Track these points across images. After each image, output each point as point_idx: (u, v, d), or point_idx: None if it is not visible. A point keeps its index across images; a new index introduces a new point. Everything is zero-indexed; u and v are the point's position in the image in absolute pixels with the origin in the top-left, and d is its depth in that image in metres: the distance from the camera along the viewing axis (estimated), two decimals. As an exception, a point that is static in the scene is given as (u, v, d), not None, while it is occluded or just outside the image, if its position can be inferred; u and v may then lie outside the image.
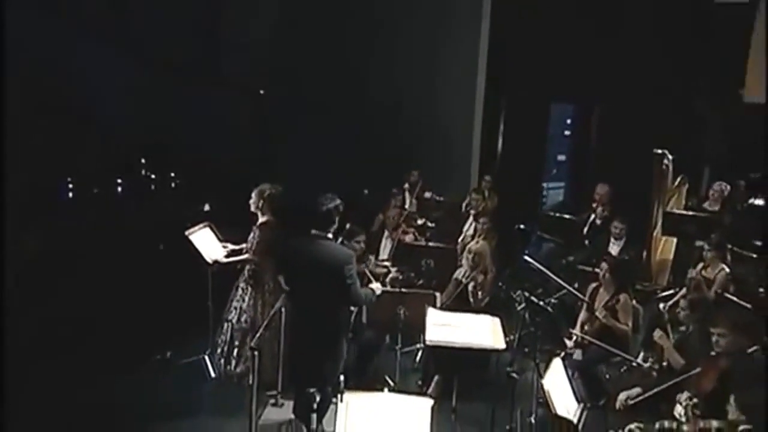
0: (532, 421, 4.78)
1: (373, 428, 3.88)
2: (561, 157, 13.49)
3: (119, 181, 10.48)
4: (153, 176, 10.84)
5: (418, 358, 6.28)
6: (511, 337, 5.44)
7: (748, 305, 5.84)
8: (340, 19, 10.37)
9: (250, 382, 4.71)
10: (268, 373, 5.48)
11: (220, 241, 6.36)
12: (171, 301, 6.78)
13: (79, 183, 9.91)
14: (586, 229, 8.14)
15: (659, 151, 8.07)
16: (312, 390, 4.63)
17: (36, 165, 8.66)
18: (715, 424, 4.02)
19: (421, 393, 5.54)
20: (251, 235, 6.03)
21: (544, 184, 12.54)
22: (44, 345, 6.23)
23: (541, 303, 5.47)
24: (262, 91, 11.14)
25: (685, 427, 4.13)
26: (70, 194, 9.98)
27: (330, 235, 4.70)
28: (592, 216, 8.19)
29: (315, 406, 4.60)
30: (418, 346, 5.94)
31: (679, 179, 8.24)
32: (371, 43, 10.26)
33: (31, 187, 8.56)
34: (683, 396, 4.45)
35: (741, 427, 3.78)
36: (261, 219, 6.00)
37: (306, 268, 4.65)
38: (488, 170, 10.13)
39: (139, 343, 6.44)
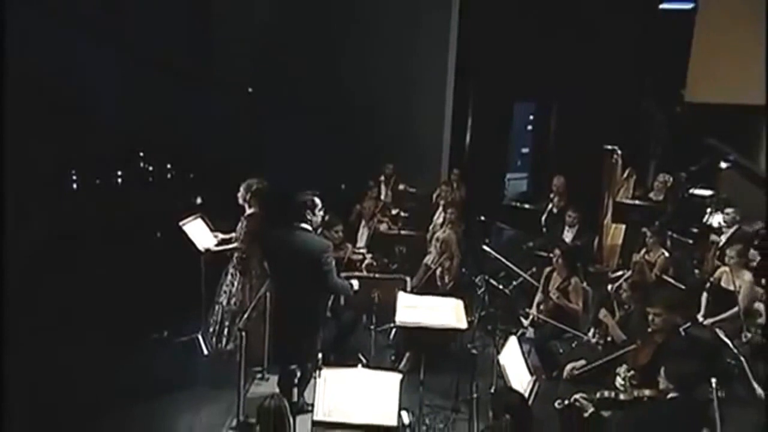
0: (492, 391, 4.90)
1: (348, 400, 4.02)
2: (525, 150, 13.61)
3: (119, 173, 10.50)
4: (150, 168, 10.86)
5: (391, 335, 6.36)
6: (473, 318, 5.55)
7: (683, 286, 6.00)
8: (321, 23, 10.35)
9: (239, 359, 4.84)
10: (255, 351, 5.50)
11: (211, 230, 6.38)
12: (167, 285, 6.79)
13: (82, 175, 9.94)
14: (544, 218, 8.28)
15: (610, 147, 8.24)
16: (293, 366, 4.76)
17: (42, 159, 8.67)
18: (647, 392, 4.18)
19: (394, 368, 5.66)
20: (239, 225, 6.07)
21: (509, 175, 12.65)
22: (49, 324, 6.25)
23: (500, 287, 5.61)
24: (250, 89, 11.13)
25: (622, 396, 4.29)
26: (75, 185, 10.01)
27: (309, 227, 4.78)
28: (550, 205, 8.33)
29: (296, 380, 4.74)
30: (391, 325, 6.01)
31: (627, 172, 8.39)
32: (349, 47, 10.27)
33: (37, 179, 8.58)
34: (622, 368, 4.62)
35: (669, 395, 3.94)
36: (248, 211, 6.03)
37: (287, 256, 4.73)
38: (457, 164, 10.18)
39: (138, 323, 6.47)
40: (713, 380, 3.67)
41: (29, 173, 8.11)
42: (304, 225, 4.72)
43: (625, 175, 8.38)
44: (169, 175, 10.85)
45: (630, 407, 4.22)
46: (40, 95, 8.56)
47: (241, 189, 6.06)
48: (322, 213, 4.84)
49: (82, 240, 8.02)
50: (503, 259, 6.09)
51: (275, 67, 10.52)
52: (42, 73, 8.70)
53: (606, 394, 4.31)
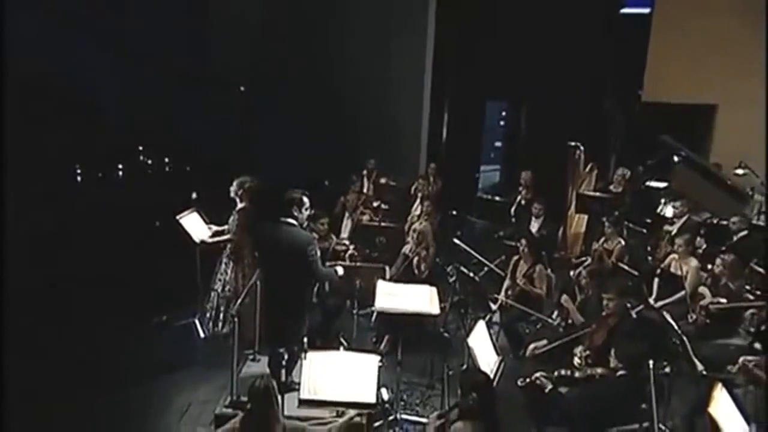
0: (463, 369, 5.02)
1: (331, 379, 4.13)
2: (498, 144, 13.73)
3: (120, 166, 10.53)
4: (149, 162, 10.87)
5: (372, 319, 6.39)
6: (445, 304, 5.64)
7: (636, 273, 6.14)
8: (304, 28, 10.34)
9: (232, 342, 4.92)
10: (248, 335, 5.55)
11: (206, 223, 6.44)
12: (166, 273, 6.85)
13: (85, 169, 9.96)
14: (513, 209, 8.39)
15: (573, 143, 8.37)
16: (282, 349, 4.86)
17: (47, 154, 8.68)
18: (599, 371, 4.35)
19: (375, 349, 5.78)
20: (231, 218, 6.14)
21: (483, 167, 12.73)
22: (55, 309, 6.32)
23: (471, 274, 5.72)
24: (242, 88, 11.12)
25: (577, 374, 4.44)
26: (79, 178, 10.04)
27: (296, 222, 4.87)
28: (519, 197, 8.45)
29: (284, 362, 4.83)
30: (372, 309, 6.11)
31: (589, 166, 8.52)
32: (333, 52, 10.27)
33: (43, 172, 8.60)
34: (579, 349, 4.76)
35: (618, 373, 4.09)
36: (239, 205, 6.09)
37: (276, 249, 4.80)
38: (434, 158, 10.23)
39: (140, 308, 6.53)
40: (650, 361, 3.81)
41: (35, 167, 8.14)
42: (291, 220, 4.80)
43: (587, 169, 8.51)
44: (167, 168, 10.89)
45: (584, 384, 4.37)
46: (44, 94, 8.56)
47: (234, 185, 6.12)
48: (308, 212, 4.93)
49: (85, 230, 8.05)
50: (472, 251, 6.19)
51: (265, 68, 10.51)
52: (45, 72, 8.69)
53: (563, 372, 4.47)
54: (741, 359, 4.37)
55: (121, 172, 10.60)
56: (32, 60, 8.24)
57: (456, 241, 6.25)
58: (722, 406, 3.63)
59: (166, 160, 10.99)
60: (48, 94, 8.73)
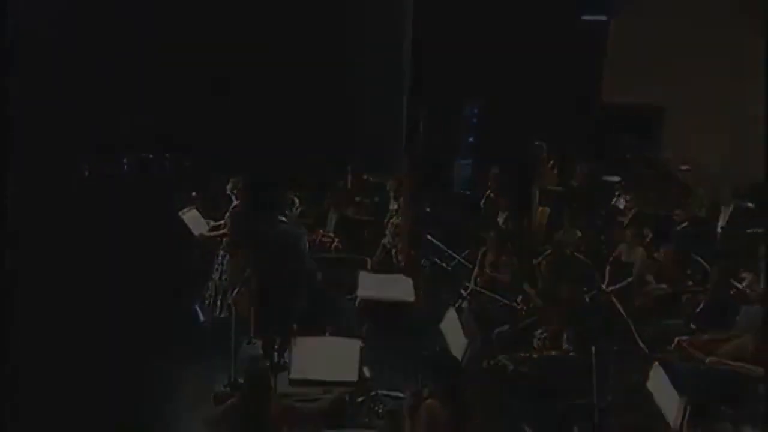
0: (437, 349, 5.18)
1: (318, 361, 4.32)
2: (471, 139, 13.81)
3: (125, 161, 10.53)
4: (150, 157, 10.88)
5: (356, 305, 6.60)
6: (419, 292, 5.80)
7: (591, 261, 6.36)
8: (293, 35, 10.36)
9: (230, 328, 5.08)
10: (244, 321, 5.57)
11: (205, 219, 6.56)
12: (168, 264, 6.93)
13: (91, 163, 9.97)
14: (482, 203, 8.55)
15: (538, 142, 8.56)
16: (274, 334, 5.03)
17: (56, 150, 8.70)
18: (553, 353, 4.57)
19: (358, 332, 5.93)
20: (227, 215, 6.24)
21: (457, 162, 12.84)
22: (62, 298, 6.33)
23: (443, 264, 5.89)
24: (235, 87, 11.07)
25: (534, 355, 4.66)
26: (86, 173, 10.05)
27: (286, 219, 5.03)
28: (488, 192, 8.61)
29: (276, 346, 5.01)
30: (354, 295, 6.22)
31: (552, 163, 8.73)
32: (324, 59, 10.33)
33: (52, 167, 8.63)
34: (538, 332, 4.98)
35: (570, 354, 4.31)
36: (234, 202, 6.21)
37: (269, 243, 4.99)
38: (412, 157, 10.30)
39: (143, 296, 6.60)
40: (593, 345, 4.03)
41: (44, 162, 8.18)
42: (283, 218, 4.98)
43: (550, 165, 8.70)
44: (167, 164, 10.90)
45: (541, 364, 4.59)
46: (48, 91, 8.55)
47: (230, 183, 6.24)
48: (298, 210, 5.10)
49: (92, 221, 8.09)
50: (442, 246, 6.37)
51: (259, 71, 10.49)
52: (48, 69, 8.66)
53: (523, 354, 4.68)
54: (677, 339, 4.63)
55: (125, 166, 10.62)
56: (34, 59, 8.23)
57: (429, 237, 6.41)
58: (658, 381, 3.85)
59: (166, 155, 10.99)
60: (51, 91, 8.71)
